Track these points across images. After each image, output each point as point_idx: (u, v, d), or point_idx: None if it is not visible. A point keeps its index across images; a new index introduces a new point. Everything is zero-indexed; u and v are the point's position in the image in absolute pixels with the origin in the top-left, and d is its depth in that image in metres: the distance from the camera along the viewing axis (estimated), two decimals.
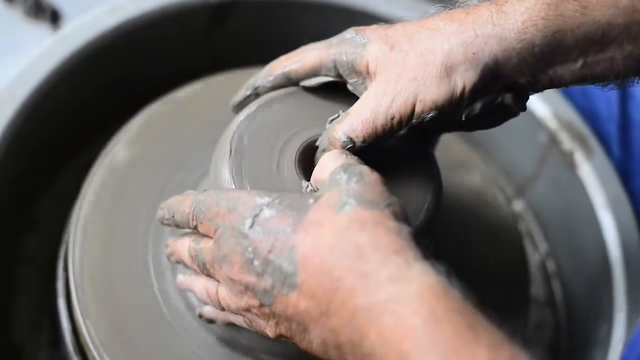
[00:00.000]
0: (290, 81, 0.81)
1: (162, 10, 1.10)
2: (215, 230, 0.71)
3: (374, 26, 0.77)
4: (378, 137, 0.73)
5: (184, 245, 0.79)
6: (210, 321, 0.84)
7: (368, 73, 0.74)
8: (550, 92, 1.13)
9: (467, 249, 0.95)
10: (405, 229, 0.65)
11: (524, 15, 0.70)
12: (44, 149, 1.09)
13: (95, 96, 1.12)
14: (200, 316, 0.84)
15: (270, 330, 0.70)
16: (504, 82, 0.73)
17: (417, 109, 0.72)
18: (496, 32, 0.70)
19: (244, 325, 0.76)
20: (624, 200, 1.07)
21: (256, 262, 0.67)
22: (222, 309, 0.76)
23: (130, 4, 1.08)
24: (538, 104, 1.13)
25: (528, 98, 0.76)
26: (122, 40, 1.08)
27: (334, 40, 0.78)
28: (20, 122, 1.00)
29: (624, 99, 1.08)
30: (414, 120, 0.72)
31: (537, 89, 0.75)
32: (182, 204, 0.77)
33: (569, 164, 1.11)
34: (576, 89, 1.14)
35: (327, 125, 0.76)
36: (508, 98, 0.74)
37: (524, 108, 0.76)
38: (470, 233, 0.97)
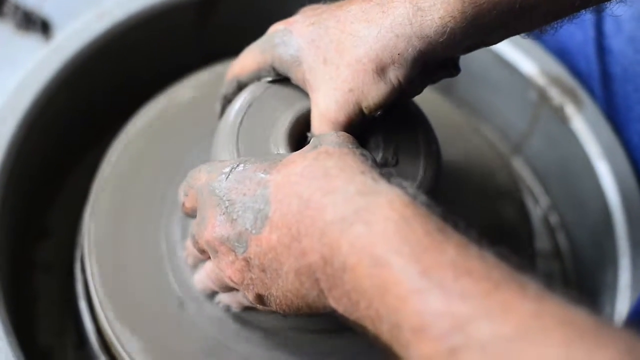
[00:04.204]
0: (241, 84, 0.84)
1: (148, 11, 1.11)
2: (197, 198, 0.74)
3: (299, 19, 0.79)
4: None
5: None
6: (227, 308, 0.86)
7: (304, 81, 0.78)
8: (536, 50, 1.14)
9: (468, 211, 0.96)
10: (371, 159, 0.68)
11: (440, 11, 0.70)
12: (49, 157, 1.10)
13: (93, 101, 1.14)
14: (218, 303, 0.86)
15: (248, 292, 0.71)
16: (436, 63, 0.75)
17: (366, 112, 0.75)
18: (415, 32, 0.71)
19: (247, 302, 0.78)
20: (618, 148, 1.09)
21: (230, 209, 0.69)
22: (223, 288, 0.78)
23: (116, 8, 1.09)
24: (525, 62, 1.14)
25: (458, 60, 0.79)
26: (113, 44, 1.09)
27: (265, 42, 0.81)
28: (24, 134, 1.01)
29: (602, 55, 1.09)
30: (366, 118, 0.76)
31: (466, 53, 0.77)
32: (181, 185, 0.80)
33: (561, 118, 1.12)
34: (554, 49, 1.14)
35: None
36: (441, 73, 0.77)
37: (458, 71, 0.78)
38: (469, 194, 0.98)
